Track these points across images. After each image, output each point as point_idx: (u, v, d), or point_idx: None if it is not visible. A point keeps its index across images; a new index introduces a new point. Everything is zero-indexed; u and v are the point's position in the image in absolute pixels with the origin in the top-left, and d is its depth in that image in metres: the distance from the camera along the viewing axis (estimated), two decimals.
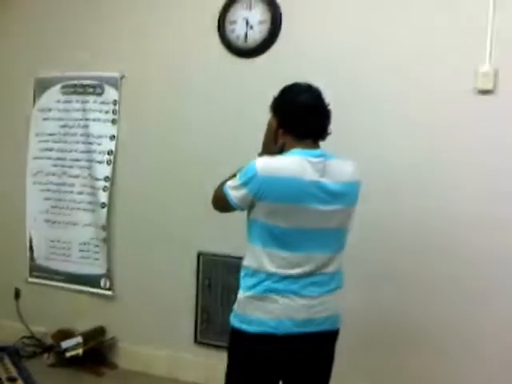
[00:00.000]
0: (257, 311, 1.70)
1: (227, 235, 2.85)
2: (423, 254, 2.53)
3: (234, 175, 1.78)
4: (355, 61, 2.63)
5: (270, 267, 1.70)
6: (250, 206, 1.71)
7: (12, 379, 2.98)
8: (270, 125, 1.82)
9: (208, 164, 2.90)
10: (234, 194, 1.72)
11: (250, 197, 1.68)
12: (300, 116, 1.74)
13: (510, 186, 2.39)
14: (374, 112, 2.59)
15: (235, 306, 1.78)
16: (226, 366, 1.84)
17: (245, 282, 1.76)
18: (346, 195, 1.74)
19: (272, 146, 1.80)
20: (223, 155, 2.86)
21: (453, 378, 2.50)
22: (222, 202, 1.80)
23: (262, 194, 1.66)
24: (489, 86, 2.42)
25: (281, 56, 2.76)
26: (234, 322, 1.77)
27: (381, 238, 2.57)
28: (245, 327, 1.72)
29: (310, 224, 1.69)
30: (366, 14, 2.62)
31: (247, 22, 2.80)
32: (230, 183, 1.75)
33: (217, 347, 2.96)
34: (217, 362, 2.88)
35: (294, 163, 1.67)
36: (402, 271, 2.57)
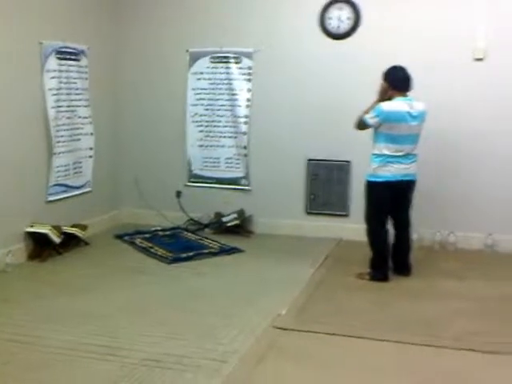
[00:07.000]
0: (382, 172, 4.09)
1: (326, 148, 5.26)
2: (457, 152, 4.95)
3: (367, 112, 4.09)
4: (400, 41, 4.94)
5: (388, 152, 4.07)
6: (377, 125, 4.05)
7: (200, 239, 5.32)
8: (382, 86, 4.13)
9: (320, 106, 5.21)
10: (371, 120, 4.06)
11: (379, 122, 4.03)
12: (400, 82, 4.08)
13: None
14: (424, 77, 4.66)
15: (370, 171, 4.14)
16: (366, 204, 4.22)
17: (375, 160, 4.12)
18: (420, 117, 4.11)
19: (384, 96, 4.13)
20: (327, 102, 5.18)
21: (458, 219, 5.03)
22: (362, 125, 4.14)
23: (386, 119, 4.01)
24: (481, 56, 4.79)
25: (360, 38, 5.07)
26: (370, 178, 4.15)
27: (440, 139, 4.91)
28: (375, 179, 4.12)
29: (407, 131, 4.06)
30: (406, 13, 4.94)
31: (339, 18, 5.05)
32: (367, 116, 4.08)
33: (320, 214, 5.40)
34: (320, 223, 5.38)
35: (399, 104, 4.03)
36: (448, 158, 4.98)
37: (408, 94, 4.11)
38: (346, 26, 5.04)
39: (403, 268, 4.31)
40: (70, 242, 4.81)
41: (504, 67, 4.79)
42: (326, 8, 5.09)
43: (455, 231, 4.98)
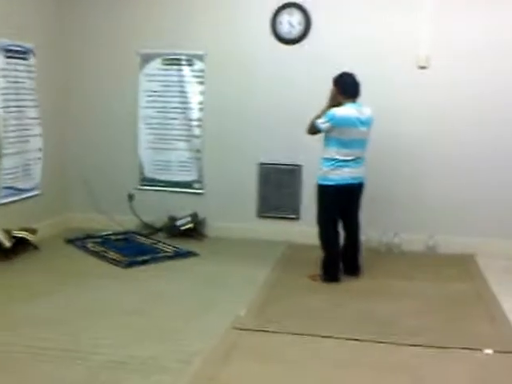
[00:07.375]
0: (332, 175, 4.27)
1: (278, 152, 5.42)
2: (402, 156, 5.23)
3: (318, 117, 4.27)
4: (349, 48, 5.16)
5: (338, 156, 4.26)
6: (329, 130, 4.23)
7: (153, 243, 5.35)
8: (332, 91, 4.32)
9: (272, 110, 5.36)
10: (322, 125, 4.24)
11: (331, 126, 4.21)
12: (349, 88, 4.28)
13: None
14: (370, 83, 4.83)
15: (320, 175, 4.32)
16: (317, 207, 4.40)
17: (325, 164, 4.30)
18: (369, 122, 4.33)
19: (334, 102, 4.31)
20: (279, 106, 5.33)
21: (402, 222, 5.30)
22: (314, 130, 4.31)
23: (337, 124, 4.19)
24: (424, 64, 5.09)
25: (310, 42, 5.24)
26: (321, 181, 4.33)
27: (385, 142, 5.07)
28: (326, 183, 4.30)
29: (357, 136, 4.26)
30: (354, 20, 5.16)
31: (290, 23, 5.21)
32: (319, 121, 4.26)
33: (271, 217, 5.55)
34: (272, 227, 5.53)
35: (349, 110, 4.23)
36: (391, 161, 5.22)
37: (356, 99, 4.31)
38: (297, 31, 5.21)
39: (353, 269, 4.52)
40: (19, 246, 4.74)
41: (446, 73, 5.08)
42: (276, 13, 5.24)
43: (400, 233, 5.24)
